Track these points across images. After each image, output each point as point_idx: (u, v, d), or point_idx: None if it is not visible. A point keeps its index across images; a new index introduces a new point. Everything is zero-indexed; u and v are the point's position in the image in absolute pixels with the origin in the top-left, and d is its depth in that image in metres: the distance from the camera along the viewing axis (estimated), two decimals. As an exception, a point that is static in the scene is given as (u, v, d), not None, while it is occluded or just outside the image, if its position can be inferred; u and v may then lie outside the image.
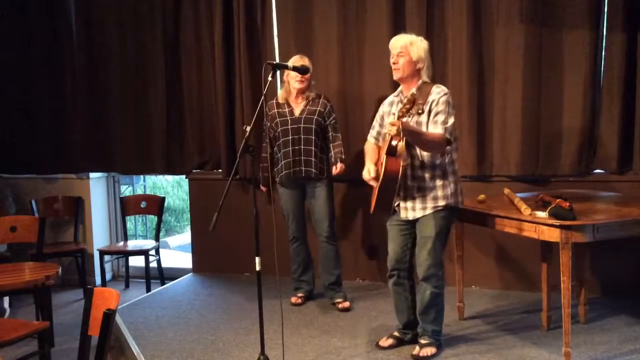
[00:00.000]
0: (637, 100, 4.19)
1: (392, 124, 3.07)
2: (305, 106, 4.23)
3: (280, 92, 4.39)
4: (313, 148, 4.19)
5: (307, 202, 4.38)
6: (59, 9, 5.52)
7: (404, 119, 3.08)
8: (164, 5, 5.25)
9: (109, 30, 5.44)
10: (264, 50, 5.05)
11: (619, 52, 4.21)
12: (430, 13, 4.57)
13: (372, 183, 3.32)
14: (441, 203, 3.30)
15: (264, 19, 5.02)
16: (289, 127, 4.20)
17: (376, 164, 3.36)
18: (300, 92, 4.23)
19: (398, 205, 3.39)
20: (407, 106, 3.08)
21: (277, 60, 4.85)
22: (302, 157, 4.19)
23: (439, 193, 3.30)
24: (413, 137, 3.17)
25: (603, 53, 4.30)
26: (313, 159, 4.19)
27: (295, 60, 4.10)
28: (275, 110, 4.29)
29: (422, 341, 3.43)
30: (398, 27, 4.57)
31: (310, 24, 4.89)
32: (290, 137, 4.20)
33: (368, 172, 3.34)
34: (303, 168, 4.20)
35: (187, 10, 5.22)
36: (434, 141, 3.21)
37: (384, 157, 3.22)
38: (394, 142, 3.16)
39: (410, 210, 3.36)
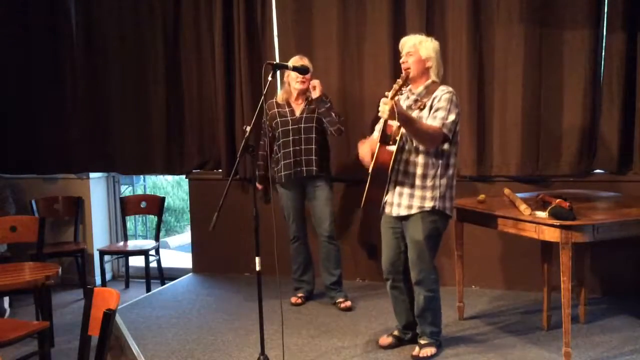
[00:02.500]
0: (637, 100, 4.20)
1: (384, 103, 2.97)
2: (306, 106, 4.23)
3: (279, 93, 4.38)
4: (314, 147, 4.19)
5: (308, 202, 4.38)
6: (59, 9, 5.52)
7: (396, 98, 3.01)
8: (164, 5, 5.25)
9: (109, 30, 5.44)
10: (264, 50, 5.05)
11: (619, 52, 4.21)
12: (430, 13, 4.57)
13: (366, 157, 3.30)
14: (428, 204, 3.25)
15: (264, 19, 5.02)
16: (290, 127, 4.20)
17: (371, 148, 3.33)
18: (301, 92, 4.23)
19: (386, 201, 3.38)
20: (400, 82, 3.04)
21: (277, 60, 4.85)
22: (303, 157, 4.19)
23: (428, 194, 3.25)
24: (405, 121, 3.05)
25: (603, 53, 4.30)
26: (314, 158, 4.18)
27: (295, 61, 4.09)
28: (275, 110, 4.28)
29: (422, 341, 3.43)
30: (398, 27, 4.58)
31: (310, 24, 4.89)
32: (291, 138, 4.20)
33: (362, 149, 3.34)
34: (304, 168, 4.20)
35: (187, 10, 5.22)
36: (427, 132, 3.13)
37: (377, 145, 3.22)
38: (388, 129, 3.15)
39: (395, 206, 3.33)
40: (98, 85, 5.51)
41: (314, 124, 4.19)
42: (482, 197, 3.89)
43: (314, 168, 4.19)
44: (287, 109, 4.25)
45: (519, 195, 3.75)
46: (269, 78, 3.15)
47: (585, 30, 4.26)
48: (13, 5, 5.59)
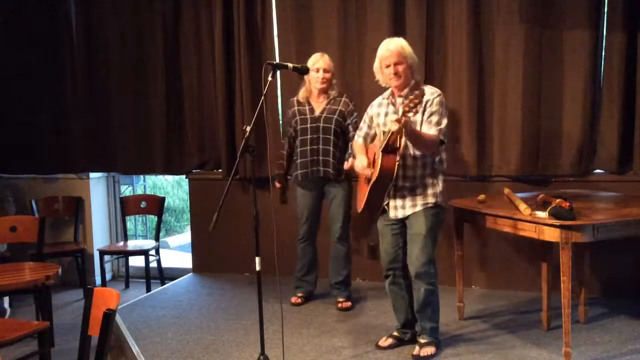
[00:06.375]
0: (637, 100, 4.19)
1: (397, 121, 3.05)
2: (327, 105, 4.19)
3: (301, 91, 4.33)
4: (331, 148, 4.14)
5: (325, 202, 4.36)
6: (59, 9, 5.52)
7: (409, 115, 3.06)
8: (164, 5, 5.25)
9: (109, 30, 5.44)
10: (264, 50, 5.05)
11: (619, 52, 4.21)
12: (430, 12, 4.57)
13: (367, 172, 3.34)
14: (431, 200, 3.34)
15: (264, 19, 5.02)
16: (308, 125, 4.17)
17: (369, 162, 3.38)
18: (322, 91, 4.21)
19: (387, 204, 3.42)
20: (415, 101, 3.04)
21: (277, 60, 4.85)
22: (320, 157, 4.15)
23: (429, 191, 3.35)
24: (413, 136, 3.19)
25: (603, 53, 4.30)
26: (331, 160, 4.14)
27: (315, 59, 4.10)
28: (296, 108, 4.26)
29: (422, 340, 3.44)
30: (398, 27, 4.58)
31: (310, 23, 4.89)
32: (308, 137, 4.16)
33: (361, 162, 3.38)
34: (321, 168, 4.16)
35: (187, 10, 5.23)
36: (428, 142, 3.26)
37: (379, 154, 3.22)
38: (392, 139, 3.17)
39: (400, 208, 3.38)
40: (98, 85, 5.51)
41: (333, 126, 4.14)
42: (482, 197, 3.89)
43: (331, 171, 4.14)
44: (307, 107, 4.23)
45: (519, 195, 3.75)
46: (269, 78, 3.16)
47: (585, 30, 4.26)
48: (13, 6, 5.59)
